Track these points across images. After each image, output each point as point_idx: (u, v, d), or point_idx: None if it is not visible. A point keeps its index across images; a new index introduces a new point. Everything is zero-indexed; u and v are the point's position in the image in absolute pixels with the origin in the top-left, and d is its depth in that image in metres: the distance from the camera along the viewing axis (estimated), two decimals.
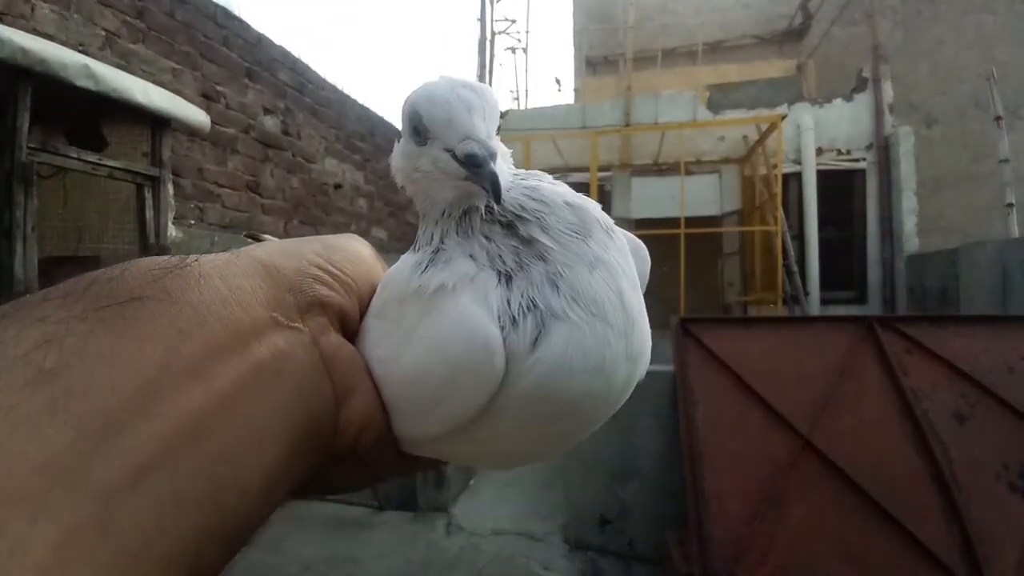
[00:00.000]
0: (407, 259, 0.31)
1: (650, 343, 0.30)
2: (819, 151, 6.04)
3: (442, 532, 2.86)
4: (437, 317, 0.28)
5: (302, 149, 4.91)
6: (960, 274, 4.42)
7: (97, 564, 0.17)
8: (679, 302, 5.27)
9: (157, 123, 2.65)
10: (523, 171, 0.32)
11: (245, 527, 0.23)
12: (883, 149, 5.93)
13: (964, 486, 1.90)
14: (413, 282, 0.29)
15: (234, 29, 4.16)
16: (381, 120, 6.31)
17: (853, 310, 5.88)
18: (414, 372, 0.28)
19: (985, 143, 6.21)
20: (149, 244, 2.58)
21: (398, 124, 0.32)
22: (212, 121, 3.18)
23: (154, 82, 2.91)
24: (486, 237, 0.29)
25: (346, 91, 5.66)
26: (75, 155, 2.27)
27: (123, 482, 0.18)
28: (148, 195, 2.60)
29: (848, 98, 6.17)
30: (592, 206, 0.30)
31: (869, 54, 6.17)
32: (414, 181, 0.32)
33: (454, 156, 0.29)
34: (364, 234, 4.51)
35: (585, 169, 5.97)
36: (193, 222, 3.69)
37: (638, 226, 5.89)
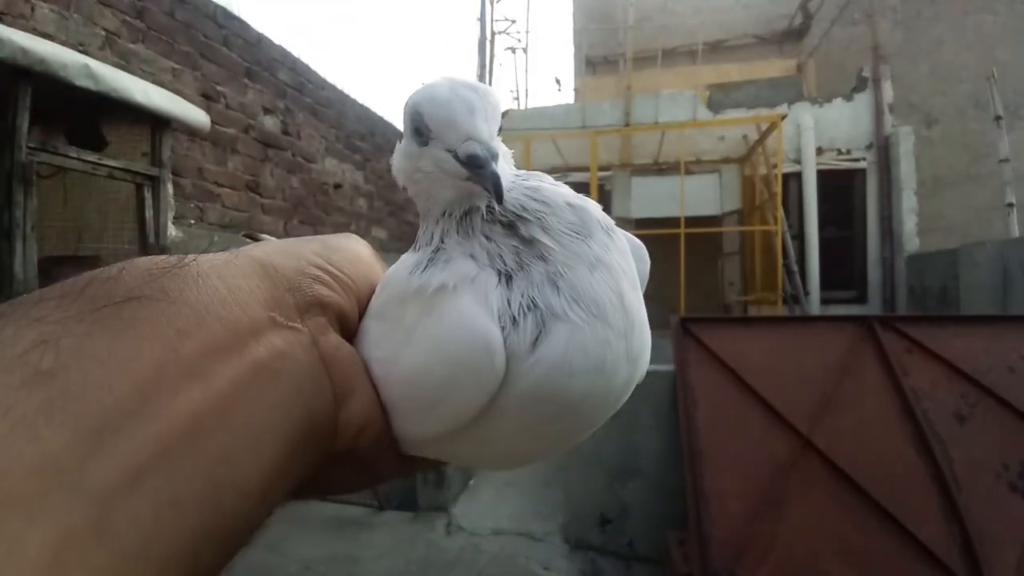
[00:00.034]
0: (407, 259, 0.31)
1: (650, 343, 0.30)
2: (819, 151, 6.03)
3: (442, 532, 2.86)
4: (437, 317, 0.28)
5: (302, 149, 4.91)
6: (960, 274, 4.41)
7: (94, 565, 0.17)
8: (679, 302, 5.26)
9: (157, 123, 2.65)
10: (524, 172, 0.32)
11: (244, 528, 0.22)
12: (883, 149, 5.92)
13: (964, 486, 1.90)
14: (413, 282, 0.29)
15: (234, 29, 4.16)
16: (381, 120, 6.30)
17: (853, 310, 5.87)
18: (414, 372, 0.28)
19: (985, 143, 6.21)
20: (149, 244, 2.57)
21: (398, 124, 0.32)
22: (212, 121, 3.18)
23: (154, 82, 2.91)
24: (486, 237, 0.29)
25: (346, 91, 5.65)
26: (75, 155, 2.27)
27: (120, 483, 0.18)
28: (148, 195, 2.60)
29: (848, 98, 6.16)
30: (593, 207, 0.30)
31: (869, 54, 6.16)
32: (415, 181, 0.32)
33: (456, 157, 0.29)
34: (364, 234, 4.52)
35: (585, 169, 5.96)
36: (193, 222, 3.69)
37: (638, 226, 5.89)
